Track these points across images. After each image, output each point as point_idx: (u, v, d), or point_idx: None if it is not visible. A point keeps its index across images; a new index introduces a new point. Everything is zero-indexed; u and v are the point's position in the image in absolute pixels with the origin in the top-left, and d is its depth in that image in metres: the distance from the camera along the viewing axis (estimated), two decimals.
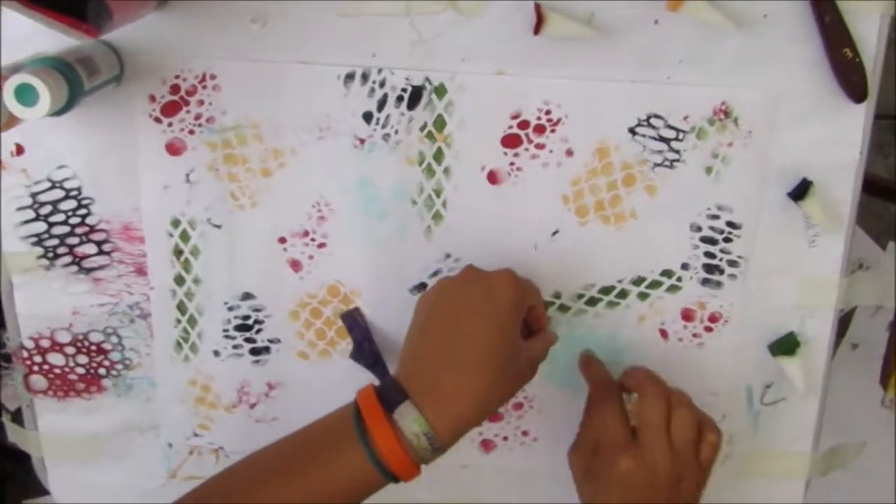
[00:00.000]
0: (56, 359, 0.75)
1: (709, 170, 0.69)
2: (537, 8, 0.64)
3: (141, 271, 0.72)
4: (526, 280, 0.66)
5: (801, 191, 0.69)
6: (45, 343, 0.74)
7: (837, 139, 0.69)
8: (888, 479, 1.20)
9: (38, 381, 0.76)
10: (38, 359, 0.75)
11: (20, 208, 0.70)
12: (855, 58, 0.65)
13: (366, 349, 0.72)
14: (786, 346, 0.74)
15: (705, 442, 0.65)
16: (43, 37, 0.63)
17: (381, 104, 0.68)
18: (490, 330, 0.60)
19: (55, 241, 0.71)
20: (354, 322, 0.72)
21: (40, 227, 0.71)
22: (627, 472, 0.64)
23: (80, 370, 0.75)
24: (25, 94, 0.55)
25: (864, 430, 0.85)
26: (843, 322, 1.26)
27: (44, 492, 0.79)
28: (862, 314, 1.26)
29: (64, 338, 0.74)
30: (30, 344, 0.74)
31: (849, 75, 0.66)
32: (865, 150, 0.69)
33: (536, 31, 0.64)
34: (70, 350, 0.75)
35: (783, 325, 0.74)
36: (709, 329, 0.74)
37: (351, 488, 0.59)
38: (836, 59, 0.66)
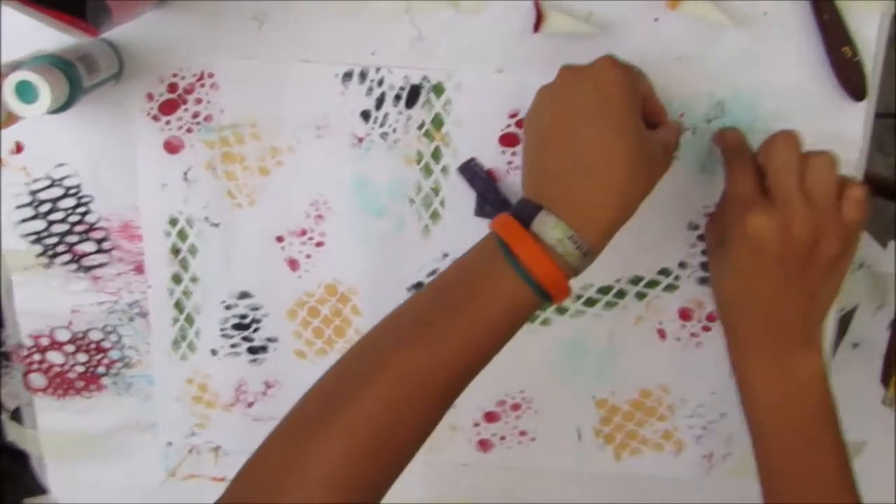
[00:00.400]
0: (55, 357, 0.75)
1: (705, 168, 0.69)
2: (537, 5, 0.64)
3: (140, 269, 0.72)
4: (631, 65, 0.59)
5: None
6: (45, 341, 0.74)
7: (837, 138, 0.68)
8: (888, 478, 1.20)
9: (38, 379, 0.76)
10: (37, 357, 0.75)
11: (19, 206, 0.71)
12: (854, 56, 0.65)
13: (492, 200, 0.68)
14: None
15: (849, 198, 0.58)
16: (43, 34, 0.63)
17: (379, 103, 0.68)
18: (611, 128, 0.55)
19: (54, 239, 0.71)
20: (474, 174, 0.69)
21: (40, 224, 0.71)
22: (756, 227, 0.57)
23: (80, 368, 0.75)
24: (25, 92, 0.55)
25: (864, 430, 0.85)
26: (844, 321, 1.25)
27: (42, 490, 0.79)
28: (862, 313, 1.26)
29: (63, 336, 0.74)
30: (29, 342, 0.74)
31: (848, 74, 0.66)
32: (866, 148, 0.69)
33: (536, 28, 0.64)
34: (69, 348, 0.75)
35: None
36: (707, 328, 0.74)
37: (508, 315, 0.55)
38: (835, 57, 0.65)
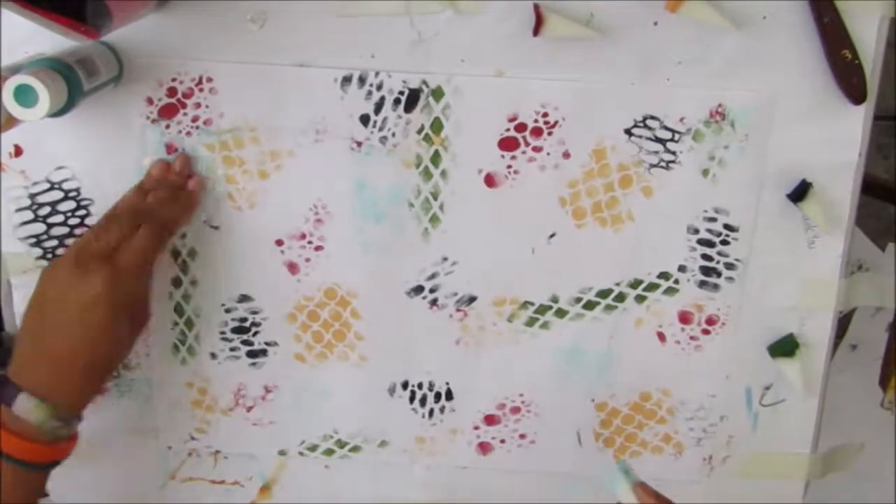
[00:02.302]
0: None
1: (705, 172, 0.69)
2: (536, 8, 0.64)
3: None
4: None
5: (800, 192, 0.69)
6: None
7: (837, 140, 0.69)
8: (888, 480, 1.20)
9: None
10: None
11: (19, 209, 0.70)
12: (854, 59, 0.65)
13: None
14: (785, 347, 0.73)
15: None
16: (42, 38, 0.64)
17: (379, 107, 0.68)
18: (89, 327, 0.61)
19: (54, 242, 0.71)
20: None
21: (39, 228, 0.71)
22: None
23: None
24: (25, 95, 0.55)
25: (863, 432, 0.85)
26: (843, 323, 1.25)
27: (42, 494, 0.79)
28: (861, 315, 1.26)
29: None
30: None
31: (848, 76, 0.66)
32: (865, 151, 0.69)
33: (536, 31, 0.64)
34: None
35: (782, 327, 0.74)
36: (706, 332, 0.74)
37: (22, 494, 0.61)
38: (835, 60, 0.65)
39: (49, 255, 0.71)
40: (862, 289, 0.74)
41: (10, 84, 0.55)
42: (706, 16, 0.64)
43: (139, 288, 0.64)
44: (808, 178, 0.69)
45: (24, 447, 0.60)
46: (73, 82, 0.58)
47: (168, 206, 0.67)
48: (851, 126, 0.68)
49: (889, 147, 1.59)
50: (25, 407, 0.60)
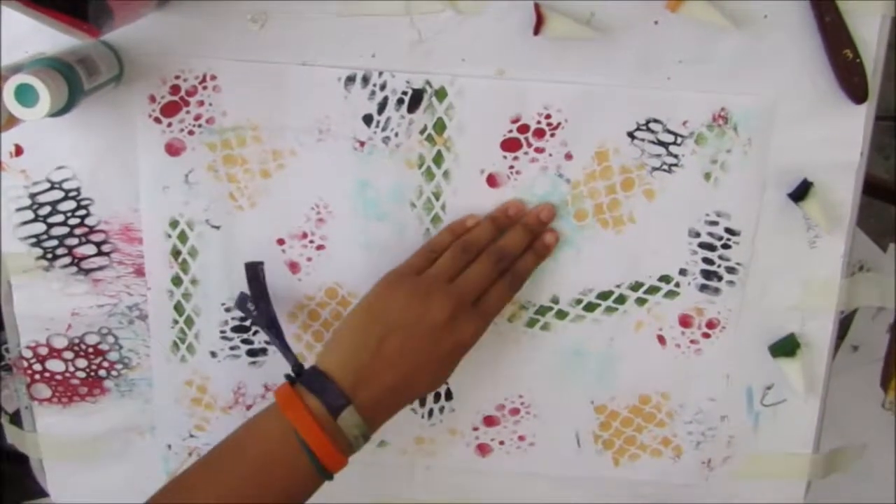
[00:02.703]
0: (56, 365, 0.75)
1: (708, 176, 0.69)
2: (537, 8, 0.64)
3: (140, 272, 0.72)
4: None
5: (801, 192, 0.69)
6: (43, 350, 0.74)
7: (838, 140, 0.69)
8: (888, 481, 1.20)
9: (41, 389, 0.76)
10: (37, 367, 0.75)
11: (19, 209, 0.70)
12: (855, 59, 0.65)
13: (262, 308, 0.69)
14: (786, 347, 0.73)
15: None
16: (42, 37, 0.63)
17: (382, 107, 0.68)
18: (439, 366, 0.64)
19: (54, 242, 0.71)
20: (256, 275, 0.70)
21: (39, 227, 0.71)
22: None
23: (81, 374, 0.75)
24: (25, 95, 0.55)
25: (864, 433, 0.85)
26: (844, 324, 1.26)
27: (42, 493, 0.79)
28: (862, 316, 1.26)
29: (61, 343, 0.74)
30: (28, 353, 0.74)
31: (849, 76, 0.66)
32: (866, 151, 0.69)
33: (536, 31, 0.64)
34: (68, 355, 0.74)
35: (784, 327, 0.74)
36: (706, 335, 0.74)
37: (298, 493, 0.62)
38: (836, 59, 0.65)
39: (49, 255, 0.71)
40: (863, 289, 0.74)
41: (11, 83, 0.55)
42: (707, 15, 0.64)
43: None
44: (809, 178, 0.69)
45: (330, 452, 0.60)
46: (73, 82, 0.58)
47: (526, 256, 0.69)
48: (853, 125, 0.68)
49: (890, 147, 1.59)
50: (351, 422, 0.60)
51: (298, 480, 0.61)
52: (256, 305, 0.68)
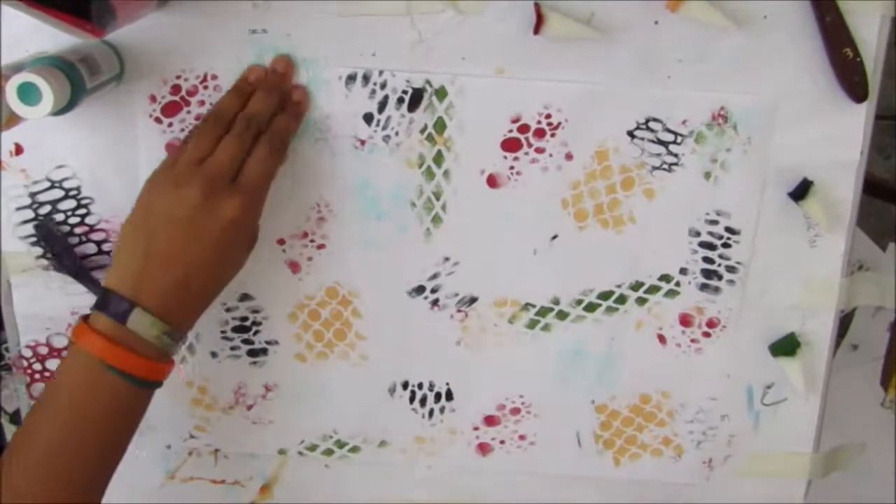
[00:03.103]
0: (56, 365, 0.74)
1: (708, 175, 0.69)
2: (537, 7, 0.64)
3: None
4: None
5: (801, 191, 0.69)
6: (43, 350, 0.74)
7: (838, 139, 0.69)
8: (888, 480, 1.20)
9: (41, 388, 0.75)
10: (37, 366, 0.75)
11: (19, 208, 0.70)
12: (856, 58, 0.65)
13: (67, 260, 0.69)
14: (786, 346, 0.73)
15: None
16: (44, 36, 0.63)
17: (382, 106, 0.68)
18: (215, 247, 0.61)
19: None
20: (50, 232, 0.70)
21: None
22: None
23: None
24: (28, 93, 0.55)
25: (864, 432, 0.85)
26: (844, 323, 1.25)
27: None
28: (862, 315, 1.26)
29: (61, 342, 0.74)
30: (28, 352, 0.74)
31: (849, 75, 0.66)
32: (866, 150, 0.69)
33: (536, 30, 0.64)
34: None
35: (784, 326, 0.74)
36: (707, 334, 0.74)
37: (122, 414, 0.61)
38: (836, 58, 0.65)
39: (49, 255, 0.71)
40: (863, 288, 0.74)
41: (14, 82, 0.55)
42: (707, 15, 0.64)
43: (260, 209, 0.63)
44: (810, 177, 0.69)
45: (135, 362, 0.59)
46: (75, 80, 0.58)
47: (279, 116, 0.65)
48: (853, 124, 0.68)
49: (890, 147, 1.59)
50: (141, 323, 0.59)
51: (121, 399, 0.60)
52: (59, 261, 0.69)
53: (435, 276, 0.72)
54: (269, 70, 0.66)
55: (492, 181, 0.70)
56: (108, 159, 0.69)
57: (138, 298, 0.59)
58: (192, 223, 0.60)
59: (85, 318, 0.60)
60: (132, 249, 0.61)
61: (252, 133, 0.63)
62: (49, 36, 0.62)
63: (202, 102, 0.67)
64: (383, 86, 0.67)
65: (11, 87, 0.55)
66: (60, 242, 0.70)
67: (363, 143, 0.68)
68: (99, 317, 0.59)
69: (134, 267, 0.60)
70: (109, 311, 0.59)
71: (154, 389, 0.62)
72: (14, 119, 0.58)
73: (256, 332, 0.74)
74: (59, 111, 0.57)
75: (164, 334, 0.60)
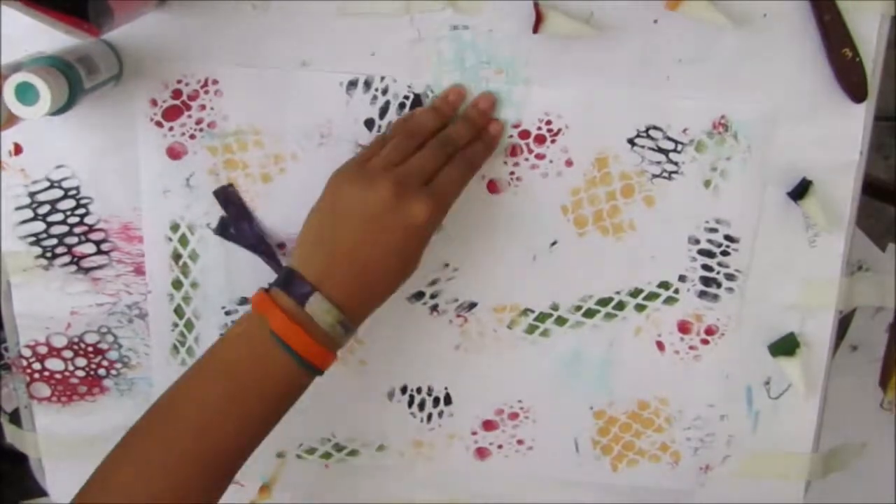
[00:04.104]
0: (55, 364, 0.75)
1: (707, 183, 0.69)
2: (536, 6, 0.64)
3: (139, 271, 0.72)
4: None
5: (800, 190, 0.69)
6: (42, 349, 0.74)
7: (837, 139, 0.69)
8: (888, 481, 1.20)
9: (41, 388, 0.76)
10: (37, 366, 0.75)
11: (18, 208, 0.70)
12: (855, 58, 0.65)
13: (245, 229, 0.70)
14: (786, 346, 0.73)
15: None
16: (42, 36, 0.63)
17: (384, 111, 0.68)
18: (400, 251, 0.62)
19: (54, 241, 0.71)
20: (229, 198, 0.70)
21: (39, 226, 0.71)
22: None
23: (81, 373, 0.75)
24: (26, 93, 0.55)
25: (863, 432, 0.85)
26: (843, 323, 1.25)
27: (41, 493, 0.79)
28: (862, 315, 1.26)
29: (60, 342, 0.74)
30: (27, 352, 0.74)
31: (849, 75, 0.66)
32: (866, 150, 0.69)
33: (536, 29, 0.64)
34: (68, 354, 0.74)
35: (783, 326, 0.74)
36: (705, 342, 0.74)
37: (284, 395, 0.62)
38: (835, 59, 0.65)
39: (48, 254, 0.71)
40: (862, 289, 0.74)
41: (12, 82, 0.55)
42: (706, 14, 0.64)
43: (441, 220, 0.63)
44: (809, 177, 0.69)
45: (307, 343, 0.59)
46: (73, 80, 0.58)
47: (475, 144, 0.66)
48: (852, 125, 0.68)
49: (889, 147, 1.60)
50: (320, 308, 0.60)
51: (282, 378, 0.61)
52: (237, 227, 0.69)
53: (434, 282, 0.72)
54: (473, 104, 0.67)
55: (492, 187, 0.70)
56: (108, 160, 0.69)
57: (321, 285, 0.60)
58: (380, 222, 0.60)
59: (265, 290, 0.61)
60: (318, 238, 0.62)
61: (447, 152, 0.64)
62: (47, 36, 0.62)
63: (203, 107, 0.67)
64: (384, 91, 0.67)
65: (9, 87, 0.55)
66: (241, 211, 0.70)
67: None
68: (280, 294, 0.60)
69: (319, 255, 0.61)
70: (292, 290, 0.60)
71: (313, 378, 0.62)
72: (12, 119, 0.58)
73: None
74: (57, 111, 0.57)
75: (339, 323, 0.60)
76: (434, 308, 0.73)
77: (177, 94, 0.67)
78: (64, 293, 0.73)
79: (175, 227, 0.71)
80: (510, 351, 0.74)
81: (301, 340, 0.59)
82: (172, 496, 0.59)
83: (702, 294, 0.72)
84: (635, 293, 0.72)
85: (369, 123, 0.68)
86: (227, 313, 0.73)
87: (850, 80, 0.66)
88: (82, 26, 0.52)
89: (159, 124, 0.68)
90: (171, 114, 0.68)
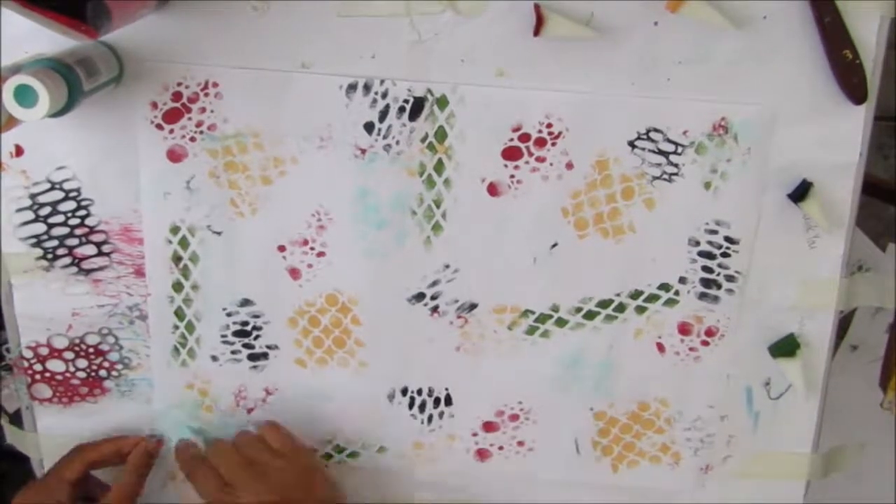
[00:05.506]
0: (56, 365, 0.75)
1: (707, 185, 0.69)
2: (537, 8, 0.64)
3: (140, 272, 0.72)
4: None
5: (801, 192, 0.69)
6: (44, 350, 0.74)
7: (837, 140, 0.69)
8: (888, 481, 1.20)
9: (42, 389, 0.76)
10: (38, 367, 0.75)
11: (19, 209, 0.70)
12: (855, 59, 0.65)
13: None
14: (786, 347, 0.73)
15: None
16: (41, 38, 0.63)
17: (383, 115, 0.68)
18: None
19: (54, 243, 0.71)
20: None
21: (39, 228, 0.71)
22: None
23: (82, 374, 0.75)
24: (25, 96, 0.55)
25: (863, 433, 0.85)
26: (843, 324, 1.25)
27: None
28: (862, 316, 1.26)
29: (61, 343, 0.74)
30: (28, 353, 0.74)
31: (849, 76, 0.66)
32: (865, 151, 0.69)
33: (536, 31, 0.64)
34: (69, 355, 0.75)
35: (783, 327, 0.74)
36: (705, 343, 0.74)
37: None
38: (836, 60, 0.65)
39: (49, 255, 0.71)
40: (862, 289, 0.74)
41: (11, 84, 0.55)
42: (706, 16, 0.64)
43: None
44: (809, 178, 0.69)
45: None
46: (73, 82, 0.58)
47: None
48: (852, 126, 0.68)
49: (889, 147, 1.59)
50: None
51: None
52: None
53: (435, 283, 0.72)
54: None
55: (492, 190, 0.70)
56: (109, 162, 0.69)
57: None
58: None
59: None
60: None
61: None
62: (47, 38, 0.62)
63: (203, 109, 0.67)
64: (384, 95, 0.67)
65: (8, 90, 0.55)
66: None
67: (364, 151, 0.68)
68: None
69: None
70: None
71: None
72: (12, 121, 0.58)
73: (257, 337, 0.74)
74: (57, 113, 0.57)
75: None
76: (434, 309, 0.73)
77: (177, 96, 0.67)
78: (65, 294, 0.73)
79: (175, 230, 0.71)
80: (511, 352, 0.74)
81: None
82: None
83: (702, 295, 0.72)
84: (636, 295, 0.72)
85: (369, 127, 0.68)
86: (228, 314, 0.73)
87: (851, 81, 0.66)
88: (80, 28, 0.52)
89: (159, 127, 0.68)
90: (172, 116, 0.68)
